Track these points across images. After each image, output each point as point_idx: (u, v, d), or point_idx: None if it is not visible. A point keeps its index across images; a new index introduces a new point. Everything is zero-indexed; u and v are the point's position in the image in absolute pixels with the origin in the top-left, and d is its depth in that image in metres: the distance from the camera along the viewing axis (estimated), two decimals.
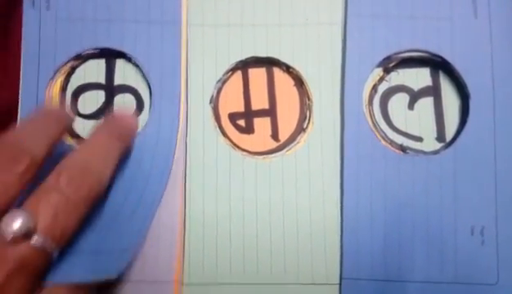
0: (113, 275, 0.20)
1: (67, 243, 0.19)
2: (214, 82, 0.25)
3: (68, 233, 0.18)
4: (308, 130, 0.25)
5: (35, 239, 0.17)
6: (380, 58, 0.25)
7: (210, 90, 0.25)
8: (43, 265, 0.18)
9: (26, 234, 0.17)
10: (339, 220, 0.24)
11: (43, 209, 0.17)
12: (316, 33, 0.25)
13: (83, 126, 0.25)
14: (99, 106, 0.25)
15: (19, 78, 0.25)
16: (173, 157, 0.24)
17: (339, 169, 0.24)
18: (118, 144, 0.21)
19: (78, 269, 0.19)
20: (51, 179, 0.18)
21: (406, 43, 0.25)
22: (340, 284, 0.23)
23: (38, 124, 0.20)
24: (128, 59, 0.25)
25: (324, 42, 0.25)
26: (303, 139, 0.25)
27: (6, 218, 0.17)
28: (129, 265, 0.23)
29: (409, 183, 0.24)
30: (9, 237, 0.17)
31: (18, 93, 0.25)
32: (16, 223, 0.17)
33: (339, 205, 0.24)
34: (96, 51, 0.25)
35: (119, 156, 0.21)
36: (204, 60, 0.25)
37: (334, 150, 0.24)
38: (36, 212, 0.17)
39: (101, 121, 0.22)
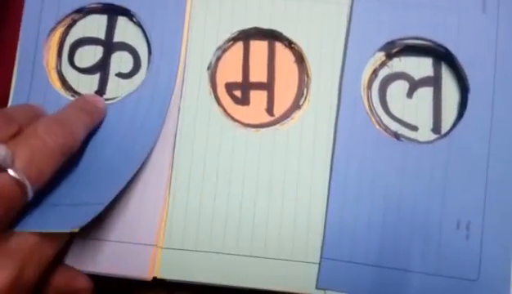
0: (75, 228, 0.19)
1: (41, 186, 0.19)
2: (214, 49, 0.25)
3: (43, 176, 0.19)
4: (304, 107, 0.24)
5: (12, 172, 0.18)
6: (383, 42, 0.24)
7: (209, 56, 0.25)
8: (18, 201, 0.18)
9: (2, 166, 0.18)
10: (325, 200, 0.23)
11: (21, 148, 0.19)
12: (322, 11, 0.25)
13: (77, 80, 0.25)
14: (95, 61, 0.25)
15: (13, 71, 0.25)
16: (165, 119, 0.24)
17: (330, 149, 0.24)
18: (87, 117, 0.23)
19: (47, 219, 0.20)
20: (29, 128, 0.20)
21: (411, 30, 0.24)
22: (320, 263, 0.23)
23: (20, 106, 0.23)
24: (130, 17, 0.25)
25: (329, 21, 0.25)
26: (297, 116, 0.24)
27: None
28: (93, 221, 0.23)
29: (399, 170, 0.23)
30: None
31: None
32: None
33: (326, 185, 0.24)
34: (99, 6, 0.25)
35: (88, 127, 0.23)
36: (207, 25, 0.25)
37: (327, 130, 0.24)
38: (14, 150, 0.18)
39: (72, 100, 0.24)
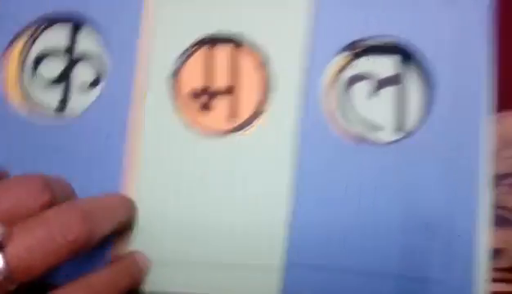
0: None
1: (33, 279, 0.17)
2: (176, 56, 0.25)
3: (35, 271, 0.16)
4: (267, 112, 0.24)
5: None
6: (346, 43, 0.24)
7: (171, 64, 0.24)
8: None
9: None
10: (289, 205, 0.23)
11: (23, 233, 0.16)
12: (285, 15, 0.25)
13: (40, 93, 0.25)
14: (58, 73, 0.25)
15: None
16: (127, 132, 0.24)
17: (293, 153, 0.24)
18: (123, 212, 0.22)
19: None
20: (48, 212, 0.17)
21: (373, 29, 0.24)
22: (284, 269, 0.23)
23: None
24: (91, 26, 0.25)
25: (292, 24, 0.25)
26: (260, 121, 0.24)
27: None
28: None
29: (363, 172, 0.23)
30: None
31: None
32: None
33: (290, 190, 0.23)
34: (60, 16, 0.25)
35: (114, 226, 0.20)
36: (168, 32, 0.25)
37: (290, 134, 0.24)
38: (15, 232, 0.16)
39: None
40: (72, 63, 0.25)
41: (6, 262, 0.16)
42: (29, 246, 0.16)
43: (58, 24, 0.25)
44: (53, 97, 0.25)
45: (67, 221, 0.17)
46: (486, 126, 0.23)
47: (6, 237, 0.16)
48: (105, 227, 0.19)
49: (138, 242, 0.23)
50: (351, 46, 0.24)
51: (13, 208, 0.17)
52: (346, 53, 0.24)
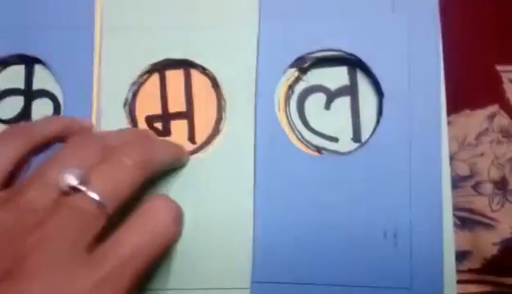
0: None
1: (122, 203, 0.19)
2: (129, 85, 0.25)
3: (121, 193, 0.19)
4: (224, 132, 0.24)
5: (84, 188, 0.18)
6: (293, 58, 0.24)
7: (124, 93, 0.25)
8: (97, 220, 0.18)
9: (78, 186, 0.18)
10: (252, 223, 0.23)
11: (95, 169, 0.19)
12: (231, 35, 0.25)
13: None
14: (18, 111, 0.26)
15: None
16: None
17: (254, 169, 0.24)
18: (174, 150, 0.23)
19: None
20: (116, 152, 0.20)
21: (319, 43, 0.24)
22: (250, 288, 0.23)
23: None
24: (44, 64, 0.25)
25: (239, 44, 0.25)
26: (218, 141, 0.24)
27: (61, 173, 0.18)
28: None
29: (323, 184, 0.23)
30: (64, 187, 0.18)
31: None
32: (70, 176, 0.18)
33: (252, 207, 0.23)
34: (14, 57, 0.25)
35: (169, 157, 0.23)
36: (119, 63, 0.25)
37: (248, 152, 0.24)
38: (90, 171, 0.18)
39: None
40: (30, 99, 0.26)
41: (96, 188, 0.18)
42: (108, 173, 0.19)
43: (12, 65, 0.26)
44: None
45: (129, 149, 0.20)
46: (442, 129, 0.23)
47: (86, 174, 0.18)
48: (161, 159, 0.22)
49: None
50: (299, 61, 0.24)
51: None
52: (295, 68, 0.25)
